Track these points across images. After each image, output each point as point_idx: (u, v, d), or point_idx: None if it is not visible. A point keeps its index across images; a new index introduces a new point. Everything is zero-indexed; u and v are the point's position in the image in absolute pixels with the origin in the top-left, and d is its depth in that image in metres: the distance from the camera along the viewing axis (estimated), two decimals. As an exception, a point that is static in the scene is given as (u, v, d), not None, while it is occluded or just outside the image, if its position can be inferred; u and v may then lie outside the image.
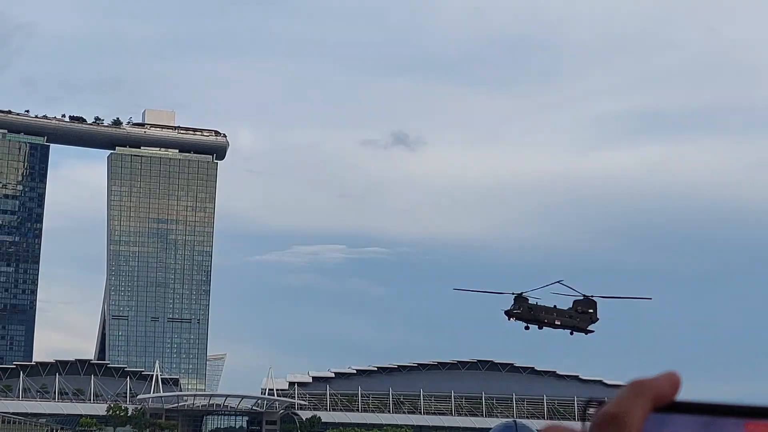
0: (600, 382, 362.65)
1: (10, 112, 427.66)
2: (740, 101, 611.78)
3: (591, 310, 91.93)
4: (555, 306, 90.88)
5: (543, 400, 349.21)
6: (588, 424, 2.28)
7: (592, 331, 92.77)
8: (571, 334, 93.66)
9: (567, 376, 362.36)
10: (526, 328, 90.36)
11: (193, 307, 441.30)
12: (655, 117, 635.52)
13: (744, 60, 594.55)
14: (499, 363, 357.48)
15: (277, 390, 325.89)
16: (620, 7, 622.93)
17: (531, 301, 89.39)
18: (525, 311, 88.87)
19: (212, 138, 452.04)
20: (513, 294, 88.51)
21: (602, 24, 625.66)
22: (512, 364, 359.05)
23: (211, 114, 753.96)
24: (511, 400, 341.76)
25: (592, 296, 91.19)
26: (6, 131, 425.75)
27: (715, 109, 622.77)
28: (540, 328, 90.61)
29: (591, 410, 2.39)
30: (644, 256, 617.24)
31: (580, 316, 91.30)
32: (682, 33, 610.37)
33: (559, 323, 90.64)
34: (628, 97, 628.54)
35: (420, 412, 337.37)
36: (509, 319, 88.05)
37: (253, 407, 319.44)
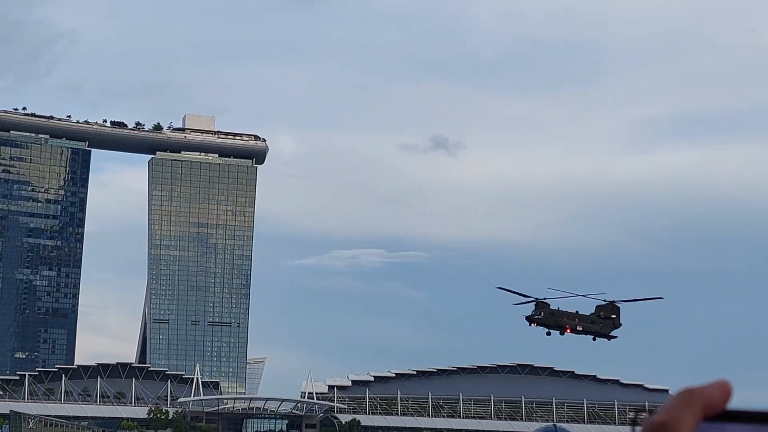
0: (640, 386, 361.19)
1: (52, 117, 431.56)
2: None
3: (614, 316, 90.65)
4: (577, 311, 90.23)
5: (583, 404, 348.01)
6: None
7: (615, 337, 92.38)
8: (594, 339, 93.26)
9: (607, 380, 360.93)
10: (548, 333, 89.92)
11: (233, 311, 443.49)
12: (694, 120, 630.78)
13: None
14: (539, 367, 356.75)
15: (316, 393, 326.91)
16: (659, 9, 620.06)
17: (552, 306, 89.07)
18: (546, 317, 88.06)
19: (252, 142, 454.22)
20: (535, 300, 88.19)
21: (641, 26, 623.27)
22: (552, 368, 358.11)
23: (251, 118, 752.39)
24: (551, 404, 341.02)
25: (614, 301, 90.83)
26: (48, 136, 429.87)
27: (754, 111, 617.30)
28: (561, 334, 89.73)
29: (640, 419, 2.34)
30: (681, 259, 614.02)
31: (603, 321, 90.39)
32: (723, 34, 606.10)
33: (581, 329, 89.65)
34: (666, 100, 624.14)
35: (459, 416, 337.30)
36: (530, 325, 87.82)
37: (293, 410, 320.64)
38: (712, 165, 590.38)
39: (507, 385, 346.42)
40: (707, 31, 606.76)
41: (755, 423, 2.06)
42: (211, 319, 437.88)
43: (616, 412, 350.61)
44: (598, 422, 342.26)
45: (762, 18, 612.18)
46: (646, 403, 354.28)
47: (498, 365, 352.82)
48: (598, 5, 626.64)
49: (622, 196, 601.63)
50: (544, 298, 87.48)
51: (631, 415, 2.51)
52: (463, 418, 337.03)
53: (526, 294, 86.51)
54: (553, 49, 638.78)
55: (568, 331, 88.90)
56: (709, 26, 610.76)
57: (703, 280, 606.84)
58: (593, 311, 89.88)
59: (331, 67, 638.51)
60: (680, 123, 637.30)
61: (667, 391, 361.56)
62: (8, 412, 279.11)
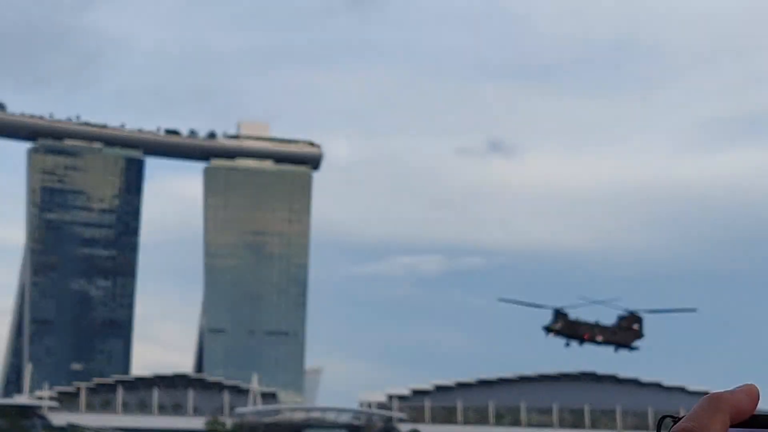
0: (705, 392, 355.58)
1: (105, 125, 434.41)
2: None
3: (636, 326, 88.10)
4: (597, 321, 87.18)
5: (648, 412, 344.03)
6: None
7: (637, 348, 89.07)
8: (616, 350, 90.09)
9: (672, 387, 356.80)
10: (567, 344, 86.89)
11: (290, 320, 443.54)
12: (759, 120, 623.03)
13: None
14: (602, 375, 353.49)
15: (375, 403, 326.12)
16: (722, 8, 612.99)
17: (571, 316, 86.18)
18: (565, 326, 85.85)
19: (307, 149, 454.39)
20: (555, 309, 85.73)
21: (703, 25, 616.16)
22: (615, 375, 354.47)
23: (305, 124, 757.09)
24: (615, 413, 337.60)
25: (637, 312, 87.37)
26: (102, 145, 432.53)
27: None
28: (581, 344, 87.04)
29: (666, 425, 2.32)
30: (746, 262, 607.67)
31: (625, 332, 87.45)
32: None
33: (600, 339, 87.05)
34: (730, 101, 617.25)
35: (522, 425, 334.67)
36: (548, 335, 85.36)
37: (352, 421, 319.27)
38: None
39: (570, 393, 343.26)
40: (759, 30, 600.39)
41: None
42: (267, 329, 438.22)
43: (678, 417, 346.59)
44: (663, 431, 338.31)
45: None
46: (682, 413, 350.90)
47: (561, 373, 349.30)
48: (658, 6, 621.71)
49: (685, 199, 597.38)
50: (564, 309, 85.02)
51: (658, 421, 2.53)
52: (526, 427, 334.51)
53: (536, 304, 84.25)
54: (612, 49, 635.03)
55: (587, 339, 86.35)
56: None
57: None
58: (615, 322, 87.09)
59: (385, 71, 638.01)
60: (746, 123, 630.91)
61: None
62: (65, 424, 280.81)
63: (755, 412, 2.09)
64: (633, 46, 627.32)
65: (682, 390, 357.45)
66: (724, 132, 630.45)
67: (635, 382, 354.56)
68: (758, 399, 2.13)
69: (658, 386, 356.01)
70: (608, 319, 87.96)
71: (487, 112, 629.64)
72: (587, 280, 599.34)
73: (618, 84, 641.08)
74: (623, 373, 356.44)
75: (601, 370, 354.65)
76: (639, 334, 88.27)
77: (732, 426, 2.08)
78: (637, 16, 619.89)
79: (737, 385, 2.21)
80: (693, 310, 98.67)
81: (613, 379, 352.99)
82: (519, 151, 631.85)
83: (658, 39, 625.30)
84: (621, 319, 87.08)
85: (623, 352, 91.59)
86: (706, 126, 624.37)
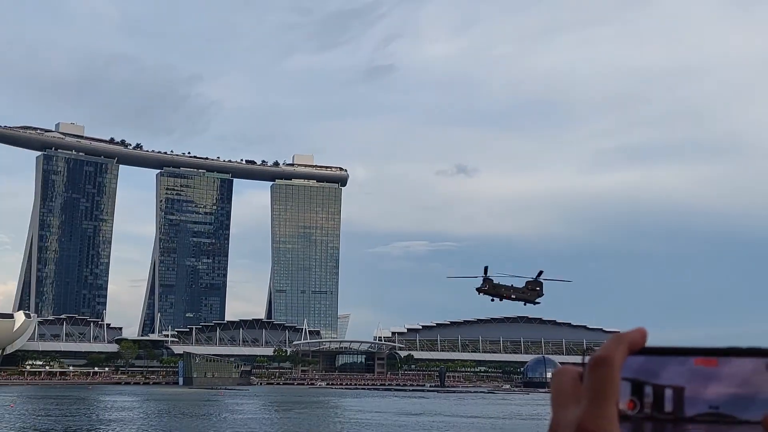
0: (601, 329, 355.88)
1: (207, 158, 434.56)
2: (698, 135, 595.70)
3: (538, 288, 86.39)
4: (512, 285, 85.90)
5: (562, 342, 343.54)
6: (586, 364, 2.03)
7: (539, 303, 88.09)
8: (525, 304, 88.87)
9: (578, 325, 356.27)
10: (492, 300, 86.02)
11: (328, 284, 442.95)
12: (633, 150, 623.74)
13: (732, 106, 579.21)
14: (533, 317, 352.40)
15: (384, 337, 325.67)
16: (610, 75, 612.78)
17: (495, 281, 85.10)
18: (490, 288, 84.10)
19: (338, 172, 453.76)
20: (483, 276, 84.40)
21: (597, 85, 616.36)
22: (540, 318, 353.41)
23: (337, 156, 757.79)
24: (541, 343, 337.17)
25: (538, 278, 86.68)
26: (205, 171, 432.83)
27: (680, 144, 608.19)
28: (501, 300, 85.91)
29: (587, 353, 2.07)
30: (625, 242, 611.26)
31: (531, 291, 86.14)
32: (652, 91, 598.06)
33: (515, 297, 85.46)
34: (615, 137, 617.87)
35: (479, 351, 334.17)
36: (479, 294, 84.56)
37: (369, 349, 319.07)
38: (646, 181, 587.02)
39: (511, 330, 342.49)
40: (643, 87, 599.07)
41: (664, 355, 2.01)
42: (313, 289, 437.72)
43: (584, 347, 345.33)
44: (571, 354, 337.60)
45: (678, 81, 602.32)
46: (604, 341, 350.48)
47: (505, 317, 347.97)
48: (566, 73, 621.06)
49: (586, 203, 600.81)
50: (489, 276, 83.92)
51: (582, 353, 2.21)
52: (482, 352, 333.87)
53: (473, 276, 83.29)
54: (539, 102, 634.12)
55: (505, 297, 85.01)
56: (646, 84, 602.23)
57: (638, 256, 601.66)
58: (524, 285, 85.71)
59: (389, 120, 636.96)
60: (626, 152, 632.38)
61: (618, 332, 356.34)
62: (182, 352, 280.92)
63: (644, 346, 2.06)
64: (551, 101, 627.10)
65: (584, 327, 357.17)
66: (610, 158, 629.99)
67: (553, 322, 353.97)
68: (646, 336, 2.11)
69: (568, 325, 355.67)
70: (520, 284, 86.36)
71: (456, 147, 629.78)
72: (522, 256, 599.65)
73: (541, 127, 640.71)
74: (546, 317, 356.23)
75: (531, 315, 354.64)
76: (540, 294, 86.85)
77: (629, 355, 2.04)
78: (553, 81, 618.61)
79: (633, 328, 2.10)
80: (570, 281, 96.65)
81: (540, 320, 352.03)
82: (477, 172, 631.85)
83: (567, 96, 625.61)
84: (528, 283, 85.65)
85: (531, 306, 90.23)
86: (598, 154, 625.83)
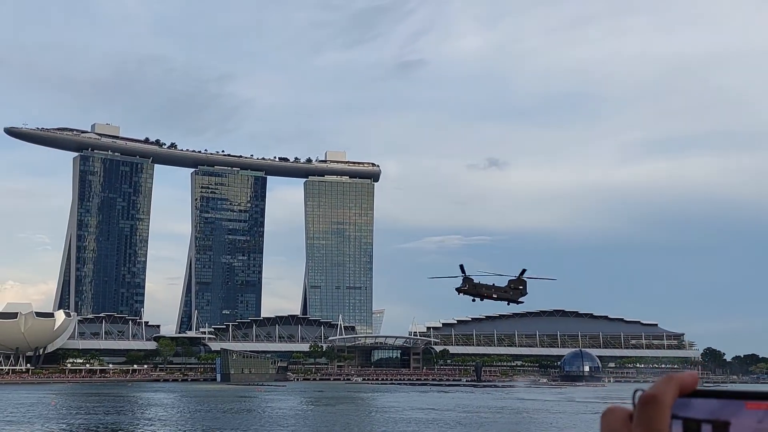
0: (638, 322, 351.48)
1: (241, 156, 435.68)
2: (736, 127, 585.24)
3: (521, 287, 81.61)
4: (494, 284, 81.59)
5: (599, 335, 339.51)
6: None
7: (522, 302, 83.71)
8: (508, 304, 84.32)
9: (615, 318, 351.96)
10: (473, 300, 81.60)
11: (362, 279, 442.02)
12: (666, 142, 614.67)
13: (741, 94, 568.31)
14: (569, 311, 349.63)
15: (419, 332, 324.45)
16: (642, 65, 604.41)
17: (476, 280, 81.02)
18: (470, 288, 79.87)
19: (370, 168, 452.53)
20: (462, 276, 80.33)
21: (629, 78, 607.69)
22: (577, 311, 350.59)
23: (370, 152, 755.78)
24: (578, 336, 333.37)
25: (521, 277, 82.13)
26: (239, 169, 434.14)
27: (709, 135, 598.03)
28: (481, 300, 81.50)
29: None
30: (654, 235, 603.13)
31: (513, 291, 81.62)
32: (683, 80, 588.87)
33: (496, 296, 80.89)
34: (647, 128, 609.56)
35: (516, 345, 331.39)
36: (459, 294, 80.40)
37: (404, 344, 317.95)
38: (679, 171, 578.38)
39: (547, 323, 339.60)
40: (670, 79, 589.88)
41: (716, 398, 2.00)
42: (347, 285, 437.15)
43: (621, 340, 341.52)
44: (609, 347, 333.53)
45: (712, 71, 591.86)
46: (642, 334, 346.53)
47: (541, 311, 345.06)
48: (597, 65, 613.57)
49: (618, 195, 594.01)
50: (470, 275, 79.84)
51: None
52: (518, 346, 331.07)
53: (454, 276, 79.42)
54: (569, 97, 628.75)
55: (486, 296, 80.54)
56: (671, 76, 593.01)
57: (679, 251, 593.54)
58: (506, 284, 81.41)
59: (420, 116, 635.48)
60: (657, 143, 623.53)
61: (656, 325, 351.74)
62: (219, 349, 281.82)
63: (695, 388, 2.11)
64: (581, 93, 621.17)
65: (621, 320, 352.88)
66: (642, 150, 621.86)
67: (590, 316, 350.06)
68: (698, 380, 2.15)
69: (605, 318, 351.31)
70: (502, 282, 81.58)
71: (487, 141, 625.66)
72: (553, 249, 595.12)
73: (573, 119, 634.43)
74: (582, 310, 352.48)
75: (568, 308, 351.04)
76: (523, 293, 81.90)
77: (679, 396, 2.08)
78: (583, 74, 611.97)
79: (686, 372, 2.25)
80: (554, 278, 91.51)
81: (576, 314, 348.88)
82: (508, 166, 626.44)
83: (599, 88, 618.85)
84: (510, 282, 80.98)
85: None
86: (631, 146, 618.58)
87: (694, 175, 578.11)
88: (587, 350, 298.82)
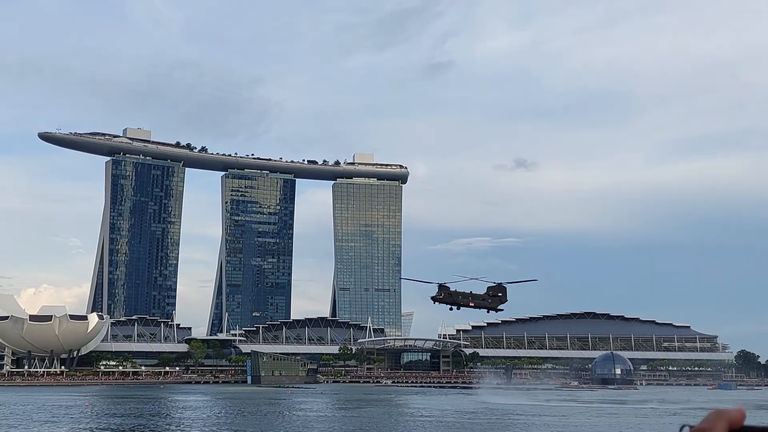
0: (670, 324, 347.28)
1: (270, 159, 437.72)
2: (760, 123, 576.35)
3: (500, 294, 77.38)
4: (471, 291, 78.84)
5: (631, 338, 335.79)
6: None
7: (502, 309, 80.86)
8: (488, 312, 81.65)
9: (647, 320, 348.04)
10: (450, 309, 78.90)
11: (390, 281, 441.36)
12: (700, 141, 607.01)
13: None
14: (600, 313, 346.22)
15: (448, 335, 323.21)
16: (673, 63, 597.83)
17: (452, 288, 78.57)
18: (446, 297, 77.15)
19: (398, 170, 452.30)
20: (438, 283, 78.14)
21: (661, 76, 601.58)
22: (608, 313, 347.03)
23: (397, 153, 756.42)
24: (609, 339, 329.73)
25: (501, 283, 79.22)
26: (268, 171, 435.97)
27: (743, 133, 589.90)
28: (458, 308, 78.81)
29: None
30: (687, 236, 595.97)
31: (492, 298, 78.61)
32: (717, 79, 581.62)
33: (473, 305, 78.03)
34: (680, 128, 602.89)
35: (546, 348, 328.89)
36: (434, 303, 77.90)
37: (433, 346, 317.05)
38: (713, 171, 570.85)
39: (578, 326, 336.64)
40: (700, 78, 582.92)
41: None
42: (376, 287, 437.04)
43: (654, 343, 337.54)
44: (640, 350, 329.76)
45: (743, 68, 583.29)
46: (674, 337, 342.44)
47: (571, 313, 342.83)
48: (629, 64, 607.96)
49: (651, 196, 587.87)
50: (445, 282, 77.50)
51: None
52: (548, 349, 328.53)
53: (427, 281, 77.07)
54: (599, 97, 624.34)
55: (463, 305, 77.76)
56: (701, 75, 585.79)
57: (708, 251, 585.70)
58: (485, 291, 78.71)
59: (448, 117, 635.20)
60: (690, 143, 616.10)
61: (688, 327, 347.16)
62: (250, 351, 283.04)
63: (743, 424, 2.12)
64: (611, 93, 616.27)
65: (653, 322, 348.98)
66: (674, 149, 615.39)
67: (621, 318, 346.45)
68: (745, 415, 2.20)
69: (637, 320, 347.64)
70: (481, 289, 78.48)
71: (514, 141, 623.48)
72: (583, 251, 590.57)
73: (603, 119, 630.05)
74: (613, 312, 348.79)
75: (599, 310, 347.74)
76: (503, 300, 78.34)
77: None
78: (614, 73, 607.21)
79: (735, 407, 2.32)
80: (535, 279, 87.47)
81: (607, 316, 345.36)
82: (537, 166, 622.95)
83: (629, 87, 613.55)
84: (489, 288, 77.92)
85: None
86: (663, 146, 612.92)
87: (726, 174, 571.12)
88: (619, 353, 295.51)
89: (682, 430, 2.13)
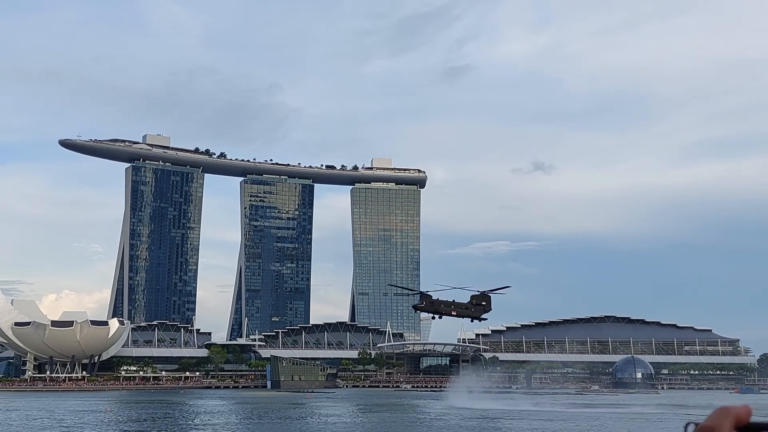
0: (691, 328, 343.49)
1: (288, 164, 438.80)
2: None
3: (484, 303, 75.83)
4: (454, 300, 77.38)
5: (651, 342, 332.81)
6: None
7: (486, 319, 79.22)
8: (471, 321, 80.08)
9: (667, 324, 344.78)
10: (432, 318, 77.76)
11: (409, 286, 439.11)
12: (720, 144, 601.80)
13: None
14: (621, 317, 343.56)
15: (468, 339, 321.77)
16: (694, 66, 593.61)
17: (434, 296, 77.32)
18: (427, 305, 75.83)
19: (416, 174, 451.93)
20: (420, 292, 76.78)
21: (681, 79, 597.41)
22: (629, 317, 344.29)
23: (415, 158, 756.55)
24: (629, 343, 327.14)
25: (485, 292, 77.62)
26: (286, 177, 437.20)
27: (761, 135, 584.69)
28: (440, 317, 77.54)
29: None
30: (710, 238, 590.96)
31: (476, 307, 77.06)
32: (737, 81, 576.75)
33: (455, 314, 76.40)
34: (700, 131, 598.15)
35: (566, 352, 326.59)
36: (416, 312, 76.44)
37: (453, 351, 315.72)
38: (733, 174, 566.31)
39: (598, 330, 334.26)
40: (726, 78, 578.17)
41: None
42: (395, 292, 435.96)
43: (675, 346, 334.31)
44: (661, 354, 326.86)
45: (764, 69, 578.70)
46: (696, 340, 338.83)
47: (591, 317, 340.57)
48: (648, 67, 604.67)
49: (670, 199, 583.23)
50: (427, 291, 76.27)
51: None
52: (568, 353, 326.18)
53: (411, 289, 75.90)
54: (618, 99, 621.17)
55: (445, 314, 76.33)
56: (728, 72, 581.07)
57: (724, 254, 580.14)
58: (469, 299, 77.23)
59: (466, 120, 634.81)
60: (711, 146, 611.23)
61: (710, 330, 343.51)
62: (269, 356, 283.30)
63: (749, 422, 2.13)
64: (630, 96, 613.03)
65: (674, 326, 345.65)
66: (694, 152, 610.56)
67: (642, 321, 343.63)
68: (751, 413, 2.20)
69: (657, 323, 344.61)
70: (465, 297, 77.02)
71: (532, 144, 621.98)
72: (603, 254, 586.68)
73: (622, 121, 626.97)
74: (634, 316, 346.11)
75: (619, 314, 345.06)
76: (487, 309, 76.17)
77: (735, 429, 2.10)
78: (633, 76, 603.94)
79: (740, 404, 2.36)
80: (508, 286, 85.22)
81: (628, 320, 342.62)
82: (555, 170, 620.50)
83: (648, 90, 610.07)
84: (473, 297, 76.57)
85: None
86: (683, 148, 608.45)
87: (747, 177, 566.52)
88: (639, 357, 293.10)
89: (687, 428, 2.12)
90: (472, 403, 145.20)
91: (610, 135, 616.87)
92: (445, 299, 75.72)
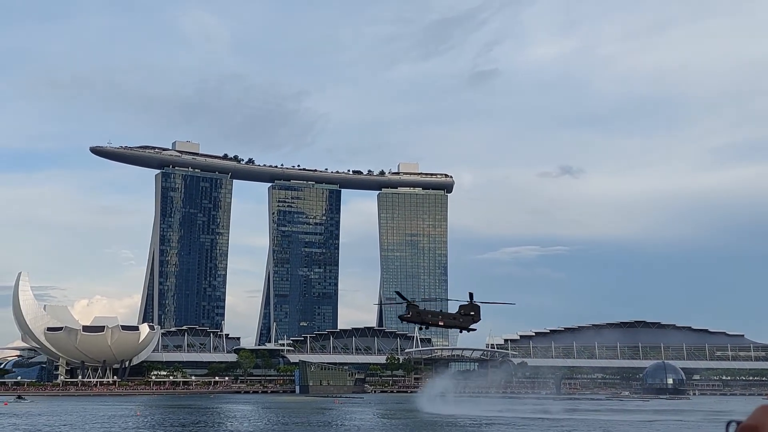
0: (723, 333, 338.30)
1: (316, 170, 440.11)
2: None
3: (473, 313, 75.19)
4: (441, 310, 75.38)
5: (682, 347, 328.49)
6: None
7: (475, 330, 76.99)
8: (461, 332, 78.01)
9: (699, 329, 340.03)
10: (420, 329, 76.83)
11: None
12: (750, 148, 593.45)
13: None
14: (651, 322, 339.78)
15: (496, 344, 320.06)
16: (722, 68, 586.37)
17: (421, 307, 75.44)
18: (414, 316, 74.12)
19: (443, 179, 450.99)
20: (407, 302, 75.10)
21: (709, 82, 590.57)
22: (659, 322, 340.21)
23: (442, 163, 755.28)
24: (660, 348, 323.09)
25: (475, 302, 75.38)
26: (314, 182, 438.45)
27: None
28: (427, 328, 75.72)
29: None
30: (741, 243, 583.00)
31: (464, 317, 74.89)
32: (761, 83, 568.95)
33: (443, 324, 74.86)
34: (729, 134, 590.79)
35: (596, 357, 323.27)
36: (402, 322, 75.12)
37: (481, 356, 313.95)
38: (762, 177, 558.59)
39: (628, 335, 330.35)
40: (756, 81, 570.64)
41: None
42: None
43: (706, 352, 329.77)
44: (693, 359, 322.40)
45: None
46: (728, 346, 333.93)
47: (621, 322, 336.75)
48: (676, 70, 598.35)
49: (698, 203, 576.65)
50: (414, 300, 74.60)
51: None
52: (598, 359, 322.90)
53: (398, 302, 75.11)
54: (645, 103, 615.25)
55: (432, 324, 74.49)
56: (754, 77, 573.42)
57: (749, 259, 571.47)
58: (457, 310, 75.05)
59: (493, 125, 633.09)
60: (742, 149, 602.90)
61: (742, 336, 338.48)
62: (297, 361, 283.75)
63: None
64: (660, 99, 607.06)
65: (705, 331, 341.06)
66: (725, 156, 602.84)
67: (673, 327, 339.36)
68: None
69: (689, 329, 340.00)
70: (453, 308, 75.11)
71: (559, 148, 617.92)
72: (633, 259, 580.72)
73: (650, 125, 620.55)
74: (664, 321, 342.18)
75: (650, 319, 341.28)
76: (476, 319, 75.28)
77: None
78: (663, 79, 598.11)
79: None
80: (513, 303, 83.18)
81: (658, 325, 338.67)
82: (583, 173, 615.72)
83: (678, 93, 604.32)
84: (461, 307, 74.53)
85: None
86: (712, 152, 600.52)
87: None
88: (670, 362, 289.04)
89: (729, 426, 2.10)
90: (441, 408, 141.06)
91: (639, 138, 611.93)
92: (432, 309, 74.98)
